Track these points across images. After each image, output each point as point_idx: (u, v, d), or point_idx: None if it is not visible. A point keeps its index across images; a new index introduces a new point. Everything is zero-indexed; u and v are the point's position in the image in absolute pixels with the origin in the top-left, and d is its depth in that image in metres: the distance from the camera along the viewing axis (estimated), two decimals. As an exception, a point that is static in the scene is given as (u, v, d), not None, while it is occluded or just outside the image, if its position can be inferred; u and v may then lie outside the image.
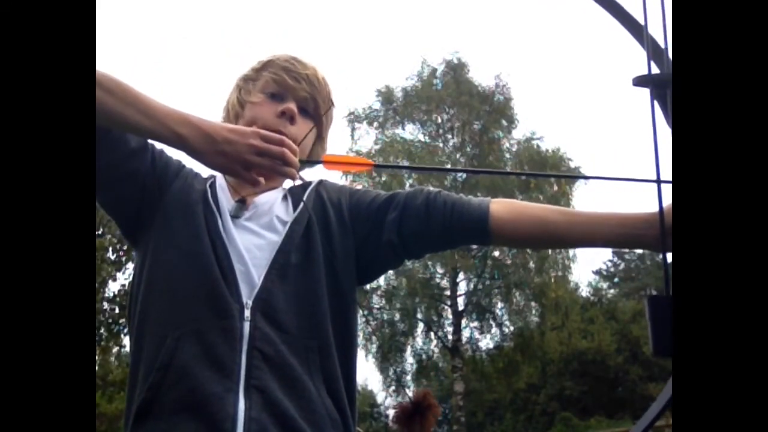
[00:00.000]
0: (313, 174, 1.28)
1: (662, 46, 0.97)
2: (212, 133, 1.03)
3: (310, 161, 1.20)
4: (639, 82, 0.97)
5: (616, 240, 1.12)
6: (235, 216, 1.15)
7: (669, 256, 0.93)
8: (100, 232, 10.65)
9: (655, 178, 0.93)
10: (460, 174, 17.24)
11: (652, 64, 0.99)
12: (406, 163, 16.71)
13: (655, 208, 0.97)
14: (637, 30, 1.05)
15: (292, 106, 1.21)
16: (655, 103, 0.97)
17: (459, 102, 17.36)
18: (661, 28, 0.95)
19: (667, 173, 0.90)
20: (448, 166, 17.47)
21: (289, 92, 1.22)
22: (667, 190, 0.91)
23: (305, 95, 1.23)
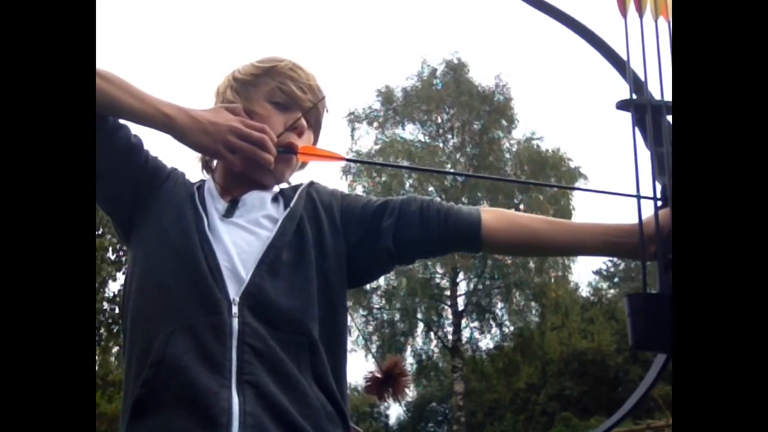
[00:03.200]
0: (304, 176, 1.30)
1: (642, 79, 1.10)
2: (197, 116, 1.12)
3: (286, 150, 1.20)
4: (621, 106, 1.11)
5: (599, 248, 1.19)
6: (225, 215, 1.16)
7: (648, 263, 1.07)
8: (100, 232, 10.64)
9: (636, 193, 1.08)
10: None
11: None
12: (406, 164, 16.70)
13: (636, 220, 1.09)
14: (621, 65, 1.16)
15: (302, 120, 1.23)
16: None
17: (459, 102, 17.36)
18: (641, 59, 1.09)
19: (646, 189, 1.08)
20: (434, 167, 17.41)
21: (296, 103, 1.23)
22: (647, 204, 1.07)
23: (310, 105, 1.24)
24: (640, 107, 1.09)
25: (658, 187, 1.08)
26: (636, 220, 1.09)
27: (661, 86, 1.06)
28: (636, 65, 1.11)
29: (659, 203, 1.07)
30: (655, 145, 1.07)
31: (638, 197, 1.07)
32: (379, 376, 1.18)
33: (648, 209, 1.08)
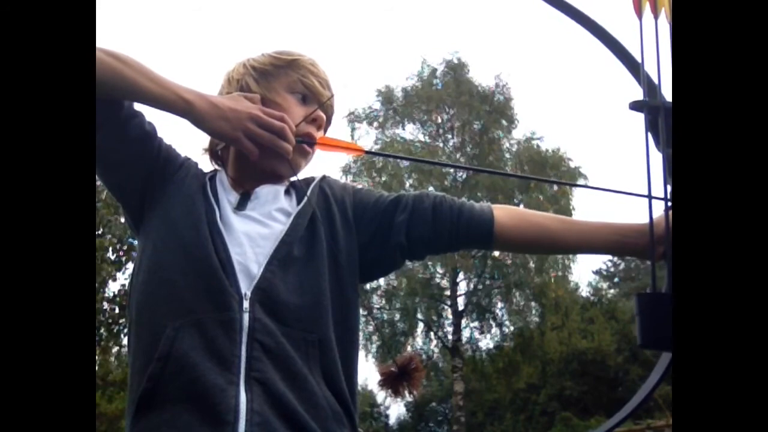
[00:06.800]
0: (315, 170, 1.29)
1: (656, 82, 1.10)
2: (217, 102, 1.11)
3: (305, 141, 1.20)
4: (634, 106, 1.10)
5: (609, 247, 1.21)
6: (237, 208, 1.15)
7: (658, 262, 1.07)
8: (100, 232, 10.63)
9: (647, 193, 1.07)
10: (459, 174, 17.24)
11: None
12: (406, 163, 16.69)
13: (646, 219, 1.09)
14: (635, 67, 1.16)
15: (322, 114, 1.24)
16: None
17: (459, 102, 17.35)
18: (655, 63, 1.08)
19: (657, 189, 1.06)
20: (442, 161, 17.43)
21: (316, 97, 1.24)
22: (657, 205, 1.06)
23: (328, 102, 1.26)
24: (653, 109, 1.09)
25: (669, 188, 1.07)
26: (645, 220, 1.09)
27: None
28: (650, 67, 1.10)
29: (670, 204, 1.06)
30: (668, 147, 1.06)
31: (649, 197, 1.06)
32: (394, 370, 1.17)
33: (657, 210, 1.07)
